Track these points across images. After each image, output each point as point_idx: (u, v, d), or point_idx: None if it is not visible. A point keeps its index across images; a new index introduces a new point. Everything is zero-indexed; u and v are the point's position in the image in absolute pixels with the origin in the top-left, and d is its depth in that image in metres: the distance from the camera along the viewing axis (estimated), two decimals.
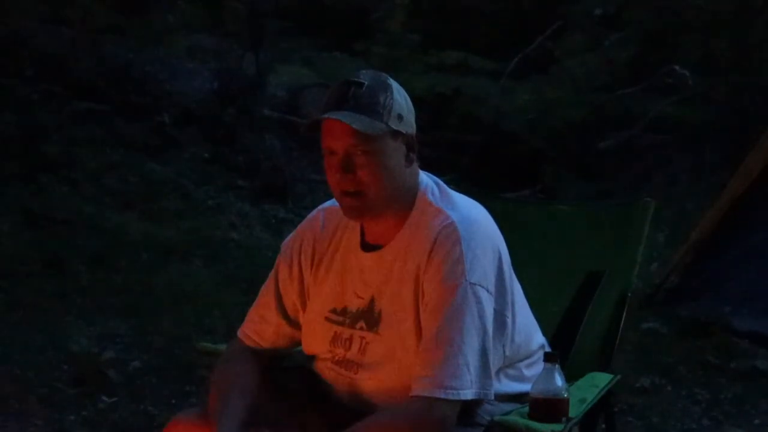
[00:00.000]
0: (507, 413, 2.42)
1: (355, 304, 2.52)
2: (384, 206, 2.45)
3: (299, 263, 2.60)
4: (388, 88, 2.43)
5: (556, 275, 3.05)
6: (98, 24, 8.36)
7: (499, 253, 2.45)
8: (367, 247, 2.52)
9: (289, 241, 2.65)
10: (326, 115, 2.41)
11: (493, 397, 2.41)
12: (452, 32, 10.12)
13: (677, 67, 9.08)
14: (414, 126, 2.48)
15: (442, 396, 2.32)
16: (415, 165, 2.50)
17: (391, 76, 2.51)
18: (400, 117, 2.43)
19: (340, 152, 2.42)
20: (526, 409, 2.43)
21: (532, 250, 3.03)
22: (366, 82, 2.42)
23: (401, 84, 2.51)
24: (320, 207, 2.63)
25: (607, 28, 9.76)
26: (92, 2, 8.40)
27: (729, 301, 5.74)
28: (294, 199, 7.67)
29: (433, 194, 2.50)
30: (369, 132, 2.38)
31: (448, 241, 2.40)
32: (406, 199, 2.48)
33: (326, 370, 2.57)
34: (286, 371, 2.67)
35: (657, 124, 9.10)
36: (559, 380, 2.41)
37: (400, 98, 2.44)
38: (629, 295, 2.94)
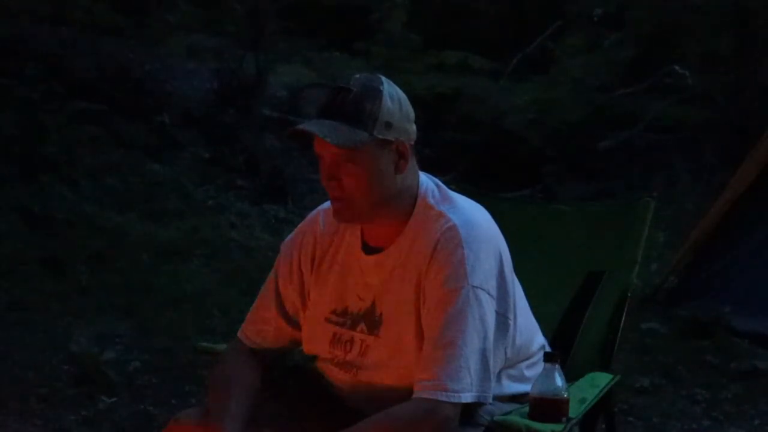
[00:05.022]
0: (507, 413, 2.42)
1: (355, 306, 2.52)
2: (372, 213, 2.44)
3: (299, 263, 2.59)
4: (377, 95, 2.39)
5: (556, 275, 3.05)
6: (98, 24, 8.37)
7: (501, 255, 2.45)
8: (368, 249, 2.51)
9: (288, 241, 2.64)
10: (304, 126, 2.40)
11: (491, 400, 2.41)
12: (452, 32, 10.14)
13: (677, 67, 9.10)
14: (409, 131, 2.44)
15: (443, 398, 2.32)
16: (413, 168, 2.48)
17: (391, 76, 2.49)
18: (388, 125, 2.39)
19: (327, 159, 2.41)
20: (526, 409, 2.42)
21: (532, 250, 3.02)
22: (354, 89, 2.39)
23: (401, 84, 2.49)
24: (320, 207, 2.61)
25: (607, 28, 9.77)
26: (92, 2, 8.40)
27: (729, 301, 5.73)
28: (294, 199, 7.67)
29: (433, 197, 2.48)
30: (345, 144, 2.36)
31: (450, 245, 2.40)
32: (404, 203, 2.46)
33: (326, 371, 2.57)
34: (286, 371, 2.67)
35: (657, 124, 9.11)
36: (559, 380, 2.41)
37: (392, 105, 2.40)
38: (629, 295, 2.93)
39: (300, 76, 9.44)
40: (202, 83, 8.72)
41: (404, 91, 2.48)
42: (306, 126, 2.39)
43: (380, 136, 2.38)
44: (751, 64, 9.13)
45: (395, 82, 2.47)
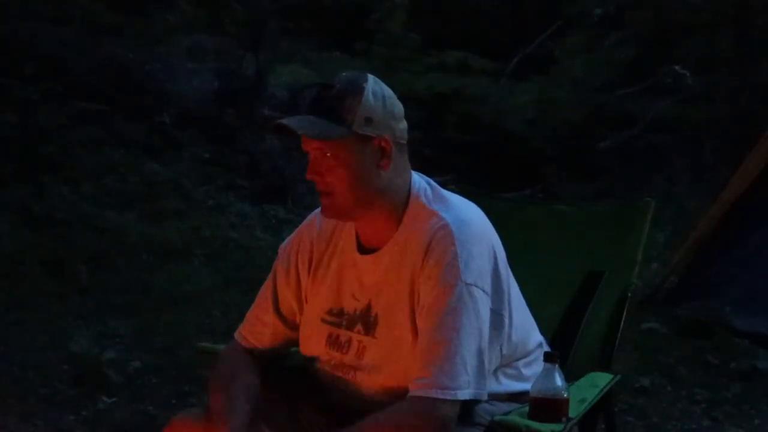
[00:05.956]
0: (507, 413, 2.42)
1: (351, 306, 2.52)
2: (357, 209, 2.45)
3: (296, 266, 2.60)
4: (359, 91, 2.40)
5: (556, 275, 3.05)
6: (98, 24, 8.37)
7: (494, 253, 2.45)
8: (363, 249, 2.52)
9: (286, 244, 2.65)
10: (283, 120, 2.42)
11: (486, 398, 2.41)
12: (452, 32, 10.14)
13: (677, 67, 9.10)
14: (394, 129, 2.43)
15: (440, 396, 2.32)
16: (403, 167, 2.47)
17: (392, 76, 2.50)
18: (368, 120, 2.39)
19: (311, 154, 2.43)
20: (526, 409, 2.43)
21: (532, 250, 3.03)
22: (336, 85, 2.41)
23: (401, 84, 2.50)
24: (317, 210, 2.61)
25: (607, 28, 9.77)
26: (92, 2, 8.40)
27: (729, 301, 5.73)
28: (294, 199, 7.67)
29: (426, 196, 2.49)
30: (319, 136, 2.38)
31: (443, 243, 2.40)
32: (394, 202, 2.47)
33: (324, 372, 2.57)
34: (285, 372, 2.67)
35: (657, 124, 9.11)
36: (559, 380, 2.41)
37: (374, 101, 2.40)
38: (629, 295, 2.93)
39: (300, 76, 9.43)
40: (202, 83, 8.71)
41: (404, 91, 2.49)
42: (285, 120, 2.42)
43: (359, 132, 2.39)
44: (750, 64, 9.13)
45: (395, 82, 2.48)
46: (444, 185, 2.57)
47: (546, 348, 2.61)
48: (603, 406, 2.74)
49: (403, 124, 2.47)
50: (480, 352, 2.36)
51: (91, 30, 8.31)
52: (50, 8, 8.32)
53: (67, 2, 8.40)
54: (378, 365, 2.46)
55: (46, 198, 6.83)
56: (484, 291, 2.39)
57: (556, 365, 2.42)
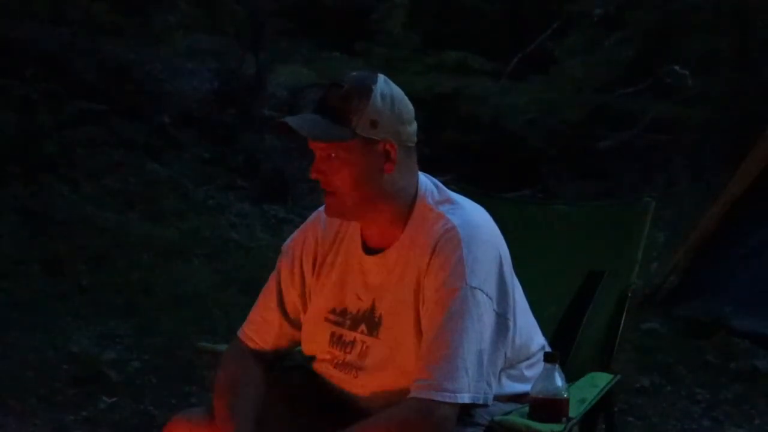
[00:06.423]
0: (507, 413, 2.42)
1: (355, 306, 2.51)
2: (360, 210, 2.44)
3: (300, 264, 2.59)
4: (366, 93, 2.38)
5: (556, 275, 3.05)
6: (98, 24, 8.37)
7: (500, 257, 2.44)
8: (368, 249, 2.51)
9: (290, 242, 2.64)
10: (286, 119, 2.41)
11: (490, 402, 2.40)
12: (452, 32, 10.13)
13: (677, 67, 9.09)
14: (401, 133, 2.41)
15: (438, 398, 2.32)
16: (410, 170, 2.46)
17: (391, 76, 2.47)
18: (374, 123, 2.38)
19: (316, 153, 2.43)
20: (527, 409, 2.42)
21: (532, 250, 3.02)
22: (345, 85, 2.39)
23: (401, 84, 2.47)
24: (321, 208, 2.61)
25: (607, 28, 9.76)
26: (92, 2, 8.41)
27: (729, 301, 5.73)
28: (294, 199, 7.67)
29: (433, 198, 2.48)
30: (321, 138, 2.38)
31: (449, 246, 2.39)
32: (400, 204, 2.46)
33: (326, 371, 2.57)
34: (287, 371, 2.67)
35: (657, 124, 9.11)
36: (559, 380, 2.41)
37: (381, 104, 2.38)
38: (629, 295, 2.93)
39: (300, 76, 9.42)
40: (202, 83, 8.72)
41: (404, 91, 2.46)
42: (288, 119, 2.41)
43: (364, 135, 2.38)
44: (751, 64, 9.13)
45: (395, 83, 2.45)
46: (444, 185, 2.56)
47: (548, 350, 2.60)
48: (603, 406, 2.74)
49: (412, 127, 2.45)
50: (481, 356, 2.35)
51: (91, 30, 8.32)
52: (50, 8, 8.32)
53: (67, 2, 8.40)
54: (381, 366, 2.45)
55: (46, 198, 6.83)
56: (488, 295, 2.38)
57: (556, 365, 2.42)
